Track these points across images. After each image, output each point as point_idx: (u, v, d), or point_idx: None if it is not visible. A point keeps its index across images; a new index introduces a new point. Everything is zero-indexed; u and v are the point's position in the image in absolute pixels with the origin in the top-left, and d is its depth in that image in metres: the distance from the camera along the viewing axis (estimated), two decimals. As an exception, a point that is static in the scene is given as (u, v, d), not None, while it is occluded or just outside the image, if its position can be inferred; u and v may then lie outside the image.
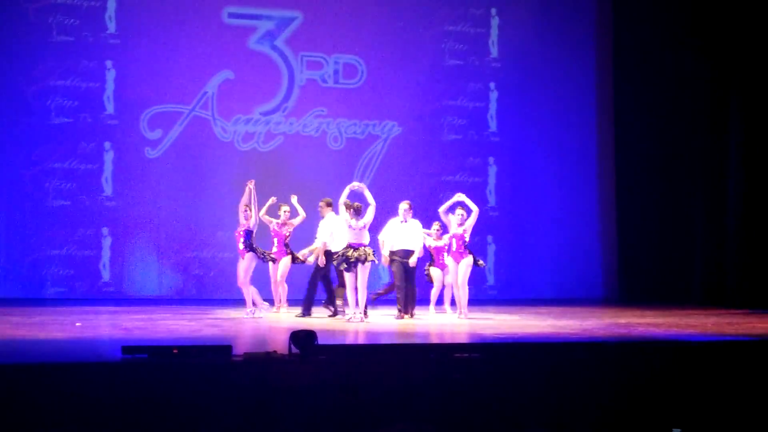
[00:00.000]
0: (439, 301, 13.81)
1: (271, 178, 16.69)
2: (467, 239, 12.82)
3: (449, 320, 12.68)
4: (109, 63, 16.50)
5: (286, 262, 13.42)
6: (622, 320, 12.64)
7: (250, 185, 13.08)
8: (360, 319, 12.18)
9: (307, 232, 13.92)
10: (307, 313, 13.06)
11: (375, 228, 13.04)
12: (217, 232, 16.20)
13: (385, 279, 15.89)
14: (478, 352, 8.31)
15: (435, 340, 10.37)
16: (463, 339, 10.37)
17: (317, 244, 13.25)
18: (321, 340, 7.91)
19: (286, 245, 13.46)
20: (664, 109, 17.48)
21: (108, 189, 16.48)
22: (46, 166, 16.19)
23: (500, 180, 18.09)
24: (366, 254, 12.19)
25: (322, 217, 13.39)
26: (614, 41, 18.34)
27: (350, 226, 12.30)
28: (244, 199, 13.02)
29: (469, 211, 12.90)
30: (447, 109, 17.86)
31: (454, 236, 12.79)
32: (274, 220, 13.46)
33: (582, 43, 18.46)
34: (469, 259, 12.78)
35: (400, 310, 12.74)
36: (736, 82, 16.25)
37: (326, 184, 16.71)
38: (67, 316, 12.28)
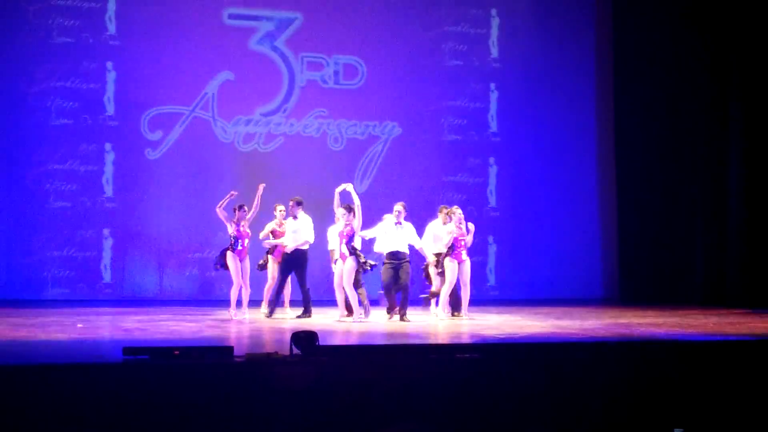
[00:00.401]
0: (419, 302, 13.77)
1: (271, 179, 16.68)
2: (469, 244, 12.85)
3: (448, 321, 12.66)
4: (109, 64, 16.51)
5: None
6: (623, 320, 12.64)
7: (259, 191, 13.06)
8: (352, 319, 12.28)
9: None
10: (306, 314, 13.10)
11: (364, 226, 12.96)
12: (218, 232, 16.17)
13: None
14: (478, 353, 8.31)
15: (435, 341, 10.36)
16: (463, 339, 10.38)
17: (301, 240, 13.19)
18: (322, 341, 7.91)
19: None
20: (664, 109, 17.47)
21: (109, 190, 16.49)
22: (47, 168, 16.20)
23: (501, 180, 18.09)
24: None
25: (294, 217, 13.24)
26: (614, 41, 18.34)
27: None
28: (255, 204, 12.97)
29: (468, 230, 12.87)
30: (447, 109, 17.87)
31: (457, 238, 12.76)
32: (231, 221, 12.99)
33: (582, 43, 18.47)
34: (468, 261, 12.82)
35: (388, 312, 12.69)
36: (736, 82, 16.24)
37: (327, 185, 16.69)
38: (68, 318, 12.29)
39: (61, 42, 16.27)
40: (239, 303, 12.80)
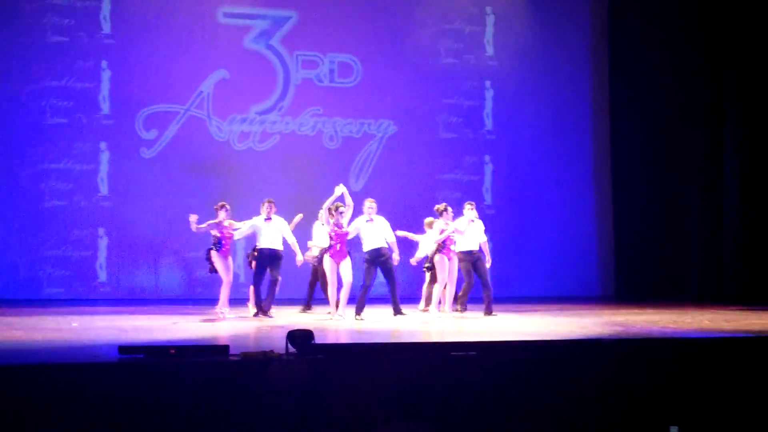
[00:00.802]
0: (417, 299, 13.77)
1: (267, 178, 16.71)
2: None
3: (444, 319, 12.66)
4: (104, 63, 16.50)
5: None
6: (620, 318, 12.64)
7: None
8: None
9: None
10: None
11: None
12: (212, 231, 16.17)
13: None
14: (475, 351, 8.30)
15: (432, 339, 10.36)
16: (460, 338, 10.37)
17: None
18: (318, 340, 7.91)
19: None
20: (660, 105, 17.49)
21: (104, 189, 16.48)
22: (42, 167, 16.19)
23: (496, 178, 18.11)
24: None
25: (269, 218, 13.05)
26: (610, 38, 18.38)
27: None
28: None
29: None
30: (443, 107, 17.88)
31: (448, 236, 12.75)
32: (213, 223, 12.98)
33: (577, 41, 18.49)
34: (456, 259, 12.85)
35: (357, 311, 12.39)
36: (732, 79, 16.27)
37: (322, 183, 16.71)
38: (63, 317, 12.26)
39: (56, 41, 16.26)
40: (216, 301, 12.80)
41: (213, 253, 12.67)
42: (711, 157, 16.62)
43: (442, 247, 12.71)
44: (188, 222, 12.58)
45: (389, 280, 12.60)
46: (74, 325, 11.22)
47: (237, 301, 13.25)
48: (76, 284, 16.29)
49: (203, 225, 12.67)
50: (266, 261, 12.71)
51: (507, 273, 17.87)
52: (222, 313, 12.51)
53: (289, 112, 17.32)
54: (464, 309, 13.21)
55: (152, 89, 16.70)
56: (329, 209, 12.32)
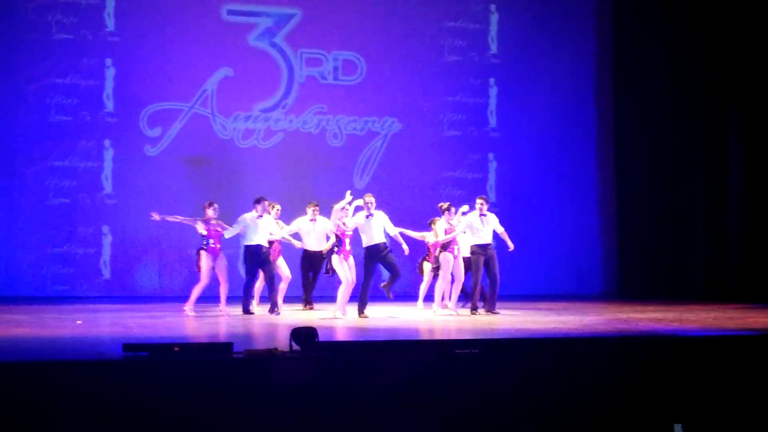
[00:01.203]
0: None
1: (270, 175, 16.71)
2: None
3: (447, 317, 12.66)
4: (108, 61, 16.50)
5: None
6: (623, 315, 12.64)
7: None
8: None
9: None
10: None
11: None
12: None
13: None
14: (478, 348, 8.31)
15: (435, 337, 10.36)
16: (463, 335, 10.37)
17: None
18: (322, 337, 7.91)
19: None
20: (664, 102, 17.45)
21: (108, 187, 16.49)
22: (46, 165, 16.19)
23: (500, 176, 18.09)
24: None
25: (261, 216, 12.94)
26: (614, 36, 18.33)
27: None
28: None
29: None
30: (447, 105, 17.86)
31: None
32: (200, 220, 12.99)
33: (581, 38, 18.45)
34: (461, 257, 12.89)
35: (359, 310, 12.40)
36: (736, 78, 16.24)
37: (326, 181, 16.74)
38: (67, 314, 12.29)
39: (60, 38, 16.26)
40: (218, 299, 13.12)
41: (202, 252, 12.76)
42: (715, 155, 16.59)
43: (448, 245, 12.75)
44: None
45: (392, 271, 12.48)
46: (78, 322, 11.24)
47: (231, 299, 13.30)
48: (80, 282, 16.30)
49: (180, 217, 12.93)
50: (257, 260, 12.86)
51: (510, 270, 17.84)
52: (190, 309, 12.68)
53: (293, 110, 17.31)
54: (475, 309, 12.95)
55: (156, 87, 16.70)
56: (339, 209, 12.37)
